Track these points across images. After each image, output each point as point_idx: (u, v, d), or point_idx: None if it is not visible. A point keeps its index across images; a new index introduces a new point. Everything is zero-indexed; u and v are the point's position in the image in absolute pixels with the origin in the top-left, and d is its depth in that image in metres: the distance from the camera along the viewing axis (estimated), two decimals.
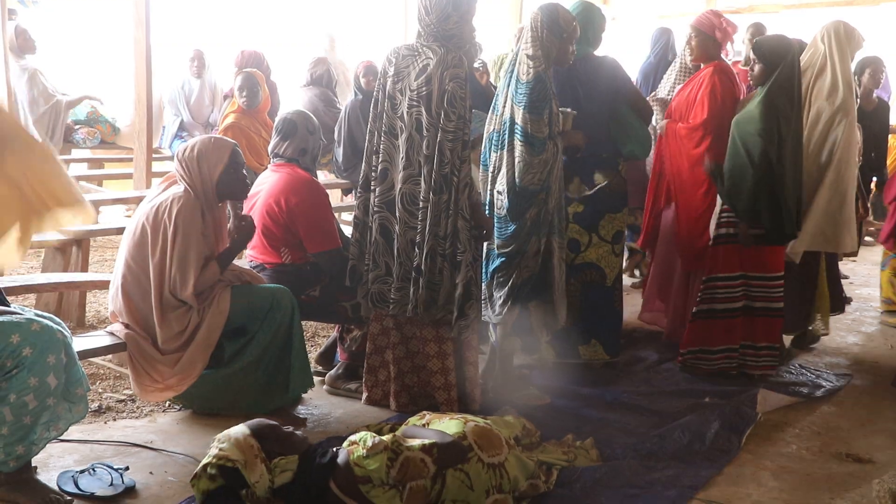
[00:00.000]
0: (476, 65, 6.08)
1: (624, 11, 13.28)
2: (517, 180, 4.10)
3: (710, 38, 5.01)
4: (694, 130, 4.93)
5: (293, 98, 7.76)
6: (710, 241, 4.87)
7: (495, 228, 4.23)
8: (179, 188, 3.74)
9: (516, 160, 4.10)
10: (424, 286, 3.88)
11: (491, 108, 4.38)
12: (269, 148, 4.39)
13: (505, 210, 4.17)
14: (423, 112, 3.81)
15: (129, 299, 3.72)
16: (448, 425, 3.21)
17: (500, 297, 4.25)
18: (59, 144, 7.73)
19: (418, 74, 3.84)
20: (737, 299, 4.82)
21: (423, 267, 3.86)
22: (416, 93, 3.83)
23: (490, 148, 4.33)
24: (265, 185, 4.25)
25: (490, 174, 4.29)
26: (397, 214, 3.91)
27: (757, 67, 4.62)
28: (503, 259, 4.23)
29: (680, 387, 4.73)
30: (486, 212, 4.24)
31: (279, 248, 4.20)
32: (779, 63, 4.55)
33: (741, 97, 4.96)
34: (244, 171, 3.86)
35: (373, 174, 3.98)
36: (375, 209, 3.96)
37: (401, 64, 3.92)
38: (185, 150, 3.79)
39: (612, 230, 4.76)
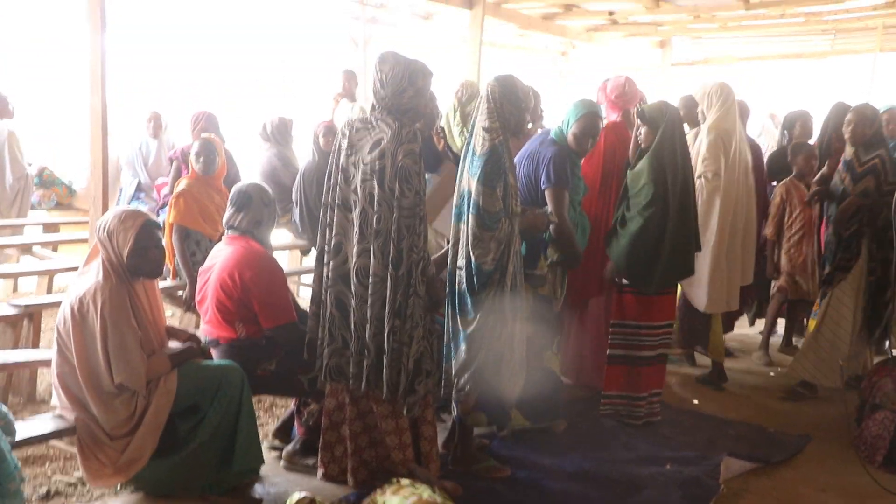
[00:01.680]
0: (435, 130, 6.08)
1: (581, 65, 13.47)
2: (472, 255, 4.03)
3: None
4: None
5: (251, 156, 7.73)
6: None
7: (457, 305, 4.14)
8: (99, 273, 3.65)
9: (469, 233, 4.04)
10: (375, 361, 3.83)
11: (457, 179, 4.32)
12: (224, 219, 4.34)
13: (464, 286, 4.10)
14: (376, 186, 3.79)
15: (67, 389, 3.65)
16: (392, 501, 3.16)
17: (463, 375, 4.15)
18: (26, 215, 7.68)
19: (372, 148, 3.83)
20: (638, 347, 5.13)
21: (374, 342, 3.82)
22: (369, 167, 3.81)
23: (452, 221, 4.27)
24: (219, 259, 4.20)
25: (451, 248, 4.21)
26: (353, 288, 3.87)
27: (643, 130, 5.08)
28: (466, 337, 4.13)
29: (640, 453, 4.70)
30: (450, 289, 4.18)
31: (234, 323, 4.14)
32: (660, 125, 4.99)
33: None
34: (156, 249, 3.76)
35: (327, 247, 3.94)
36: (330, 283, 3.92)
37: (355, 137, 3.91)
38: (100, 226, 3.74)
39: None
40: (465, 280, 4.07)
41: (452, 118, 8.47)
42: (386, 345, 3.81)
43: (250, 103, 11.10)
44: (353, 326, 3.89)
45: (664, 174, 4.94)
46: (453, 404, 4.24)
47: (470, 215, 4.03)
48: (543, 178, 4.66)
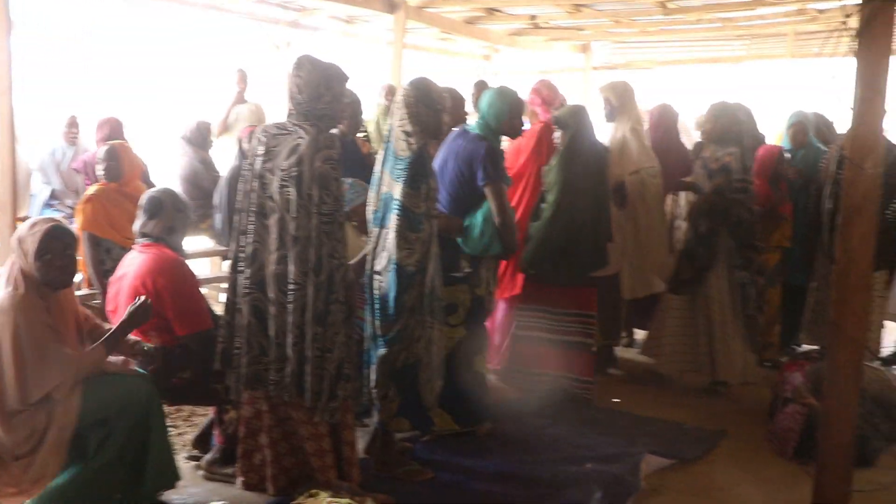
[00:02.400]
0: (359, 134, 6.08)
1: (505, 67, 13.56)
2: (394, 257, 4.07)
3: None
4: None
5: (171, 159, 7.60)
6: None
7: (377, 310, 4.17)
8: (10, 282, 3.51)
9: (392, 237, 4.07)
10: (297, 369, 3.81)
11: (372, 188, 4.33)
12: (136, 227, 4.25)
13: (385, 291, 4.12)
14: (294, 192, 3.76)
15: None
16: None
17: (381, 381, 4.19)
18: None
19: (289, 154, 3.80)
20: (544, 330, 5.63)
21: (294, 349, 3.79)
22: (286, 173, 3.78)
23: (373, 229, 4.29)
24: (131, 267, 4.12)
25: (371, 253, 4.23)
26: (271, 295, 3.83)
27: (558, 133, 5.54)
28: (386, 342, 4.16)
29: (563, 453, 4.74)
30: (369, 293, 4.21)
31: (147, 332, 4.06)
32: (571, 127, 5.48)
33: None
34: (62, 257, 3.58)
35: (241, 254, 3.90)
36: (246, 290, 3.87)
37: (271, 143, 3.87)
38: (15, 234, 3.64)
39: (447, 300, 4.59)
40: (386, 284, 4.09)
41: (383, 122, 8.49)
42: (308, 352, 3.79)
43: (170, 107, 10.91)
44: (271, 334, 3.85)
45: (573, 173, 5.38)
46: (374, 410, 4.25)
47: (394, 217, 4.06)
48: (481, 174, 4.67)
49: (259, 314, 3.88)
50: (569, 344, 5.61)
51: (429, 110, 4.17)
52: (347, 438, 4.03)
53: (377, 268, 4.17)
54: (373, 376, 4.22)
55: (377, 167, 4.30)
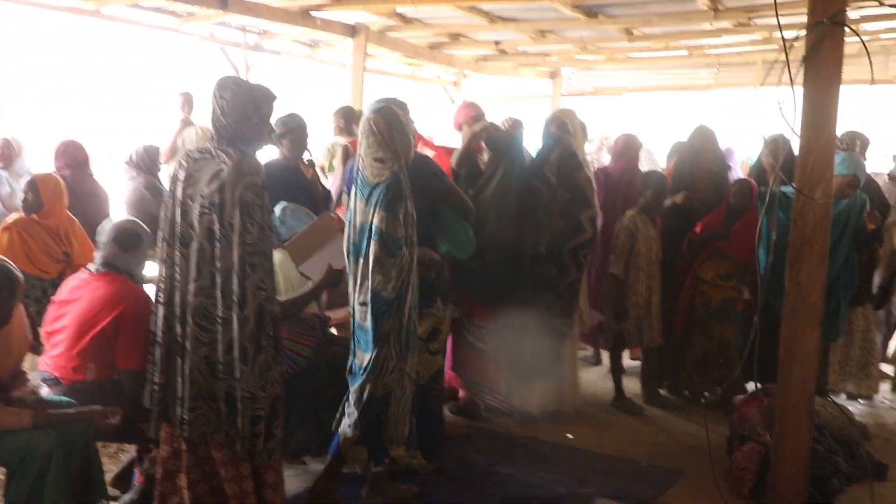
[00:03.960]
0: (304, 157, 5.90)
1: (474, 94, 13.44)
2: (374, 287, 3.99)
3: None
4: None
5: (119, 186, 7.39)
6: None
7: (359, 341, 4.10)
8: None
9: (371, 265, 4.00)
10: (227, 409, 3.58)
11: (347, 220, 4.26)
12: (102, 256, 4.11)
13: (367, 322, 4.03)
14: (216, 221, 3.55)
15: None
16: None
17: (354, 412, 4.11)
18: None
19: (211, 180, 3.58)
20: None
21: (220, 387, 3.56)
22: (207, 200, 3.56)
23: (349, 261, 4.23)
24: (86, 292, 3.98)
25: (351, 286, 4.16)
26: (188, 330, 3.61)
27: (486, 155, 5.68)
28: (363, 371, 4.08)
29: (510, 492, 4.56)
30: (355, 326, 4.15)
31: (86, 364, 3.91)
32: (506, 155, 5.57)
33: None
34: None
35: (161, 285, 3.68)
36: (165, 323, 3.64)
37: (192, 168, 3.66)
38: None
39: (427, 327, 4.58)
40: (367, 314, 4.03)
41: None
42: (238, 392, 3.57)
43: (127, 132, 10.70)
44: (188, 370, 3.62)
45: (507, 205, 5.47)
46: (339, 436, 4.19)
47: (372, 243, 3.98)
48: (437, 184, 4.84)
49: (179, 350, 3.65)
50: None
51: (399, 135, 4.13)
52: (270, 480, 3.79)
53: (360, 299, 4.08)
54: (348, 405, 4.17)
55: (351, 201, 4.23)
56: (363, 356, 4.08)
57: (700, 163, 5.83)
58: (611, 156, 7.24)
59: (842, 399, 6.12)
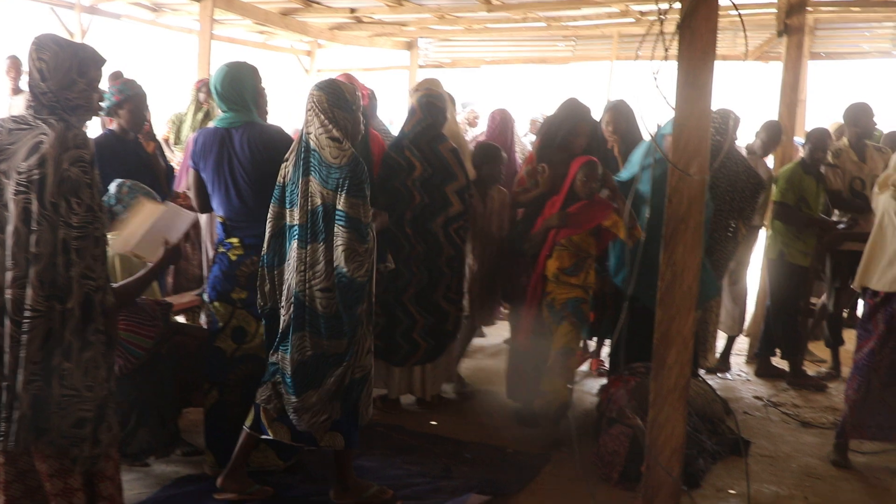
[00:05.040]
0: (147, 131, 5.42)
1: (327, 65, 13.02)
2: (345, 271, 3.81)
3: None
4: None
5: None
6: None
7: (327, 330, 3.89)
8: None
9: (340, 249, 3.81)
10: (32, 410, 3.12)
11: (281, 201, 4.00)
12: None
13: (335, 309, 3.86)
14: (34, 200, 3.08)
15: None
16: None
17: (331, 401, 3.94)
18: None
19: (29, 154, 3.11)
20: None
21: (29, 390, 3.11)
22: (25, 176, 3.09)
23: (287, 244, 3.98)
24: None
25: (299, 272, 3.90)
26: (6, 327, 3.14)
27: None
28: (336, 360, 3.91)
29: None
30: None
31: None
32: None
33: None
34: None
35: None
36: None
37: (6, 140, 3.17)
38: None
39: None
40: (336, 301, 3.84)
41: (193, 118, 7.79)
42: (55, 392, 3.12)
43: None
44: (6, 373, 3.15)
45: None
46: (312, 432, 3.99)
47: (341, 229, 3.82)
48: None
49: None
50: None
51: (344, 113, 3.93)
52: (105, 492, 3.37)
53: (320, 286, 3.85)
54: (313, 401, 3.93)
55: (295, 177, 3.94)
56: (338, 343, 3.91)
57: (568, 139, 5.56)
58: (487, 130, 7.04)
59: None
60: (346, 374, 3.94)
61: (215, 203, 4.36)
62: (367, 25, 11.05)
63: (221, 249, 4.39)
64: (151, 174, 5.12)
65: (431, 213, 5.32)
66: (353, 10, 10.00)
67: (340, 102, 3.92)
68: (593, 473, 4.58)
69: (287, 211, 3.99)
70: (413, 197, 5.30)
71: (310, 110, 3.93)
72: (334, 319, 3.89)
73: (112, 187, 4.42)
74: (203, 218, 6.05)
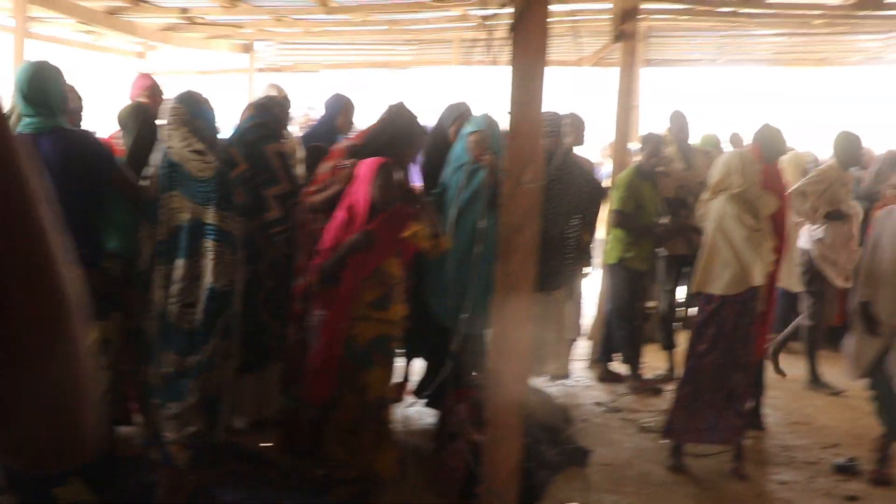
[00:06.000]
0: None
1: (163, 66, 12.43)
2: (214, 285, 3.88)
3: None
4: None
5: None
6: None
7: (188, 345, 3.90)
8: None
9: (211, 263, 3.87)
10: None
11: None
12: None
13: (201, 322, 3.90)
14: None
15: None
16: None
17: (189, 415, 3.94)
18: None
19: None
20: None
21: None
22: None
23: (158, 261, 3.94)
24: None
25: (165, 289, 3.88)
26: None
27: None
28: (195, 374, 3.94)
29: None
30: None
31: None
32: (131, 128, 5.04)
33: None
34: None
35: None
36: None
37: None
38: None
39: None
40: (201, 314, 3.90)
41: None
42: None
43: None
44: None
45: None
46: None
47: (210, 244, 3.87)
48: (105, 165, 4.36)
49: None
50: None
51: (205, 124, 3.96)
52: None
53: (187, 300, 3.90)
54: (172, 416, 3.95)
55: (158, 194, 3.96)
56: (203, 352, 3.93)
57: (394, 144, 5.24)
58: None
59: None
60: (205, 387, 3.96)
61: None
62: (201, 27, 10.58)
63: None
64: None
65: (250, 215, 4.95)
66: (184, 10, 9.52)
67: (201, 112, 3.91)
68: (434, 490, 4.43)
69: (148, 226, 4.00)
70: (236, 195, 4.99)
71: (170, 124, 3.87)
72: (195, 335, 3.90)
73: None
74: None
